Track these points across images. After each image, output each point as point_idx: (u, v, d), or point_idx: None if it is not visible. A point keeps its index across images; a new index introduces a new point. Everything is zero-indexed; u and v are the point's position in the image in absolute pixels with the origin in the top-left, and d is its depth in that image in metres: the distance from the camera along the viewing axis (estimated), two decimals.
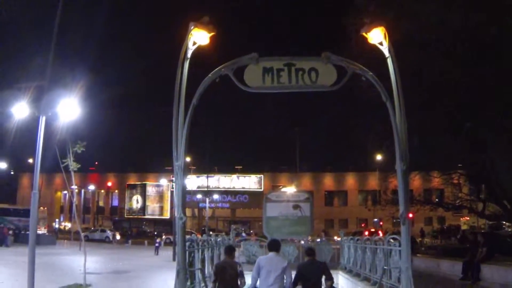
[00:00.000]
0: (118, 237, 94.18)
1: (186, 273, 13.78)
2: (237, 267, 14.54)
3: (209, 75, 13.57)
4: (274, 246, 14.69)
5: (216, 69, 13.58)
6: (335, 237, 56.56)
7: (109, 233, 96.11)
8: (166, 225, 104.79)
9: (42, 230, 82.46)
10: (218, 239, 30.85)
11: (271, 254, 14.38)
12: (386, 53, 13.93)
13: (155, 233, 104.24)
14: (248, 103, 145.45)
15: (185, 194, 13.92)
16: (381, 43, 13.99)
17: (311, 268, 14.83)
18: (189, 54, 13.73)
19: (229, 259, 14.78)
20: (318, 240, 46.29)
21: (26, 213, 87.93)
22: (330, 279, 14.53)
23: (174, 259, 47.28)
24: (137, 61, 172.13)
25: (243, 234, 64.70)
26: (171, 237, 78.98)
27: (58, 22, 22.44)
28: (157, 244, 62.51)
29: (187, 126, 13.22)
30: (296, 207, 32.29)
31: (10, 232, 71.12)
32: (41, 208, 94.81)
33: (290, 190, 42.74)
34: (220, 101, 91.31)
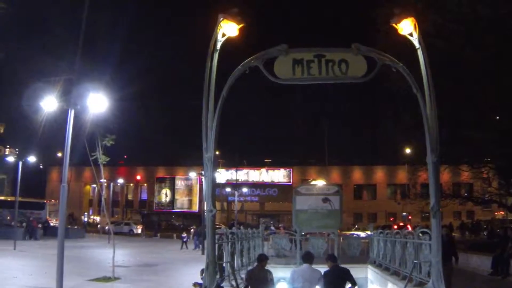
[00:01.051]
0: (139, 230, 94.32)
1: (215, 266, 13.73)
2: (268, 275, 14.71)
3: (239, 66, 13.46)
4: (308, 258, 14.91)
5: (246, 60, 13.48)
6: (361, 233, 56.39)
7: (134, 226, 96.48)
8: (195, 219, 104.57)
9: (53, 223, 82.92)
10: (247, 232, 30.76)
11: (305, 265, 14.63)
12: (416, 44, 13.76)
13: (181, 226, 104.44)
14: (277, 95, 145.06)
15: (215, 186, 13.86)
16: (410, 34, 13.82)
17: (335, 275, 14.89)
18: (218, 46, 13.64)
19: (261, 267, 14.93)
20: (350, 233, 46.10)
21: (36, 205, 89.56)
22: (354, 284, 14.57)
23: (203, 253, 47.35)
24: (167, 52, 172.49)
25: (272, 228, 64.44)
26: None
27: (85, 15, 22.46)
28: (184, 239, 61.74)
29: (217, 118, 13.15)
30: (325, 200, 32.13)
31: (39, 225, 71.58)
32: (53, 200, 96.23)
33: (319, 183, 42.53)
34: (248, 93, 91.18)
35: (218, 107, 13.19)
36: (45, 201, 74.28)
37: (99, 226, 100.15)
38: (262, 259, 15.36)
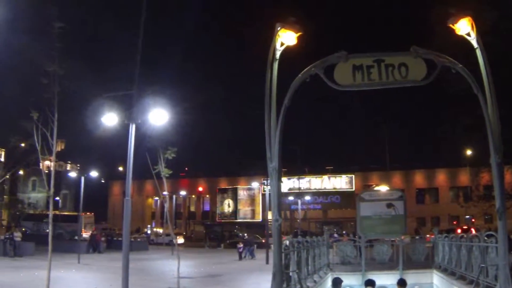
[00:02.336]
0: (180, 240, 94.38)
1: (282, 275, 13.74)
2: None
3: (299, 75, 13.49)
4: (371, 284, 15.01)
5: (306, 69, 13.50)
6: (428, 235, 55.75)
7: (173, 236, 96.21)
8: (258, 228, 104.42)
9: (86, 234, 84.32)
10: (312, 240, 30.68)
11: None
12: (475, 44, 13.64)
13: (245, 236, 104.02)
14: (335, 102, 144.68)
15: (280, 196, 13.88)
16: (468, 34, 13.70)
17: None
18: (277, 55, 13.67)
19: None
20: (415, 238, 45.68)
21: (71, 218, 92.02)
22: None
23: (267, 262, 47.35)
24: (227, 63, 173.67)
25: (335, 235, 64.10)
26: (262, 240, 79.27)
27: (142, 30, 22.70)
28: (240, 249, 60.31)
29: (280, 127, 13.18)
30: (389, 205, 31.96)
31: (103, 238, 72.46)
32: (88, 213, 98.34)
33: (382, 188, 42.25)
34: (307, 100, 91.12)
35: (281, 116, 13.22)
36: (80, 214, 77.18)
37: (153, 238, 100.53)
38: (337, 282, 15.38)
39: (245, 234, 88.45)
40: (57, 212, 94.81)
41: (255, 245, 62.45)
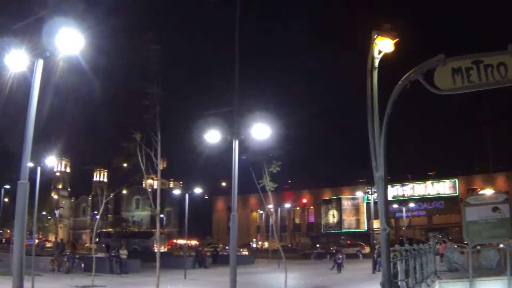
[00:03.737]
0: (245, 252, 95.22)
1: (391, 285, 13.73)
2: None
3: (399, 82, 13.46)
4: None
5: (406, 75, 13.46)
6: None
7: (280, 249, 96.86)
8: (363, 238, 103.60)
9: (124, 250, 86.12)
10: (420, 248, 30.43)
11: None
12: None
13: (332, 247, 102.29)
14: (434, 105, 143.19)
15: (388, 204, 13.84)
16: None
17: None
18: (376, 64, 13.68)
19: None
20: None
21: (145, 234, 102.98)
22: None
23: (373, 272, 47.09)
24: (326, 74, 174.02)
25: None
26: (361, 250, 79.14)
27: (237, 48, 23.03)
28: (339, 261, 55.67)
29: (384, 136, 13.17)
30: (495, 209, 31.39)
31: (208, 253, 73.31)
32: (160, 230, 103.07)
33: (487, 192, 41.46)
34: (406, 106, 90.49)
35: (384, 125, 13.20)
36: (152, 230, 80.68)
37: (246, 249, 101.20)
38: None
39: (334, 247, 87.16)
40: (133, 229, 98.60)
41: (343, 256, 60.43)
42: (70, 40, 13.86)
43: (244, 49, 25.27)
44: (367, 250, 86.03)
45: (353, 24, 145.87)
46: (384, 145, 13.15)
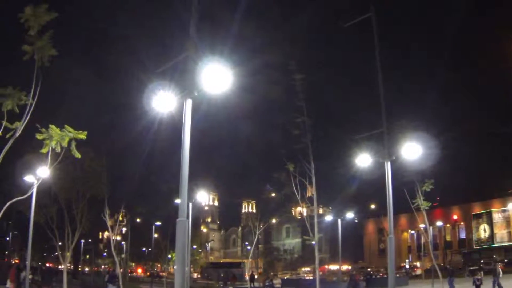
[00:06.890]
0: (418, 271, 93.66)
1: None
2: None
3: None
4: None
5: None
6: None
7: (436, 266, 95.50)
8: None
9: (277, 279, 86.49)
10: None
11: None
12: None
13: (504, 261, 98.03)
14: None
15: None
16: None
17: None
18: None
19: None
20: None
21: (236, 265, 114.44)
22: None
23: None
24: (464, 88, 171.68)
25: None
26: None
27: (379, 69, 23.08)
28: (478, 282, 46.23)
29: None
30: None
31: (362, 277, 73.34)
32: (250, 260, 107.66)
33: None
34: None
35: None
36: (242, 261, 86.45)
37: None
38: None
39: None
40: (226, 260, 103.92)
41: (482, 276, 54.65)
42: (218, 79, 14.21)
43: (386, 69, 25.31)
44: None
45: (492, 41, 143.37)
46: None
